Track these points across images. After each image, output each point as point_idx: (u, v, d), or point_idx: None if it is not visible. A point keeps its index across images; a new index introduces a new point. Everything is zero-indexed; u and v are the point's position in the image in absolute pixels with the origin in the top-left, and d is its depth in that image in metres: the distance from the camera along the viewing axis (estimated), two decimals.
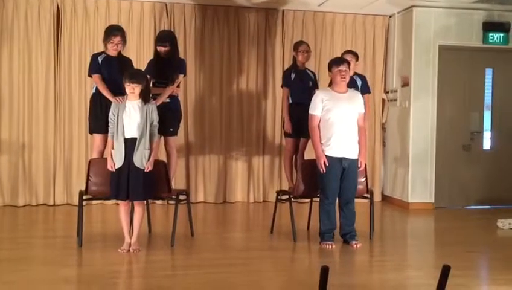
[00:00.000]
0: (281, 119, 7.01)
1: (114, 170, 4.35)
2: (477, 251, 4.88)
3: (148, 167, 4.35)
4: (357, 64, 5.74)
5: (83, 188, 4.70)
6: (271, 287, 3.80)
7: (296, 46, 5.84)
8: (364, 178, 5.06)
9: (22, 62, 6.61)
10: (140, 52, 6.79)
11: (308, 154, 5.68)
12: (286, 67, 6.62)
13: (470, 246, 4.98)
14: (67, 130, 6.72)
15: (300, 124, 5.45)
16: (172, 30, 6.52)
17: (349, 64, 4.86)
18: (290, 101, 5.74)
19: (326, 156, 4.66)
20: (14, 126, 6.60)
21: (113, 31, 5.02)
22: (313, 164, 4.81)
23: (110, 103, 4.61)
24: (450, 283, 2.04)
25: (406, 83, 7.06)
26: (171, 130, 5.24)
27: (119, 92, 4.63)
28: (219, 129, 7.13)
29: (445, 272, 1.95)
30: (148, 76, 4.89)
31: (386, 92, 7.53)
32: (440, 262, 2.19)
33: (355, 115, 4.74)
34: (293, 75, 5.75)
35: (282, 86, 5.92)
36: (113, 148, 4.39)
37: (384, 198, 7.54)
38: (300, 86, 5.71)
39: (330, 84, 5.16)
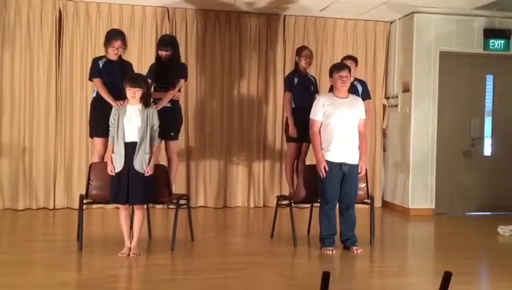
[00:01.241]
0: (282, 124, 7.02)
1: (114, 174, 4.35)
2: (478, 257, 4.87)
3: (148, 171, 4.35)
4: (357, 69, 5.74)
5: (83, 192, 4.70)
6: None
7: (299, 51, 5.84)
8: (365, 184, 5.06)
9: (24, 66, 6.63)
10: (141, 57, 6.81)
11: (309, 160, 5.68)
12: (287, 72, 6.63)
13: (471, 252, 4.97)
14: (68, 134, 6.73)
15: (302, 129, 5.44)
16: (174, 35, 6.53)
17: (350, 70, 4.86)
18: (293, 106, 5.73)
19: (326, 161, 4.66)
20: (15, 129, 6.60)
21: (114, 35, 5.03)
22: (313, 169, 4.81)
23: (110, 106, 4.61)
24: (451, 289, 2.03)
25: (406, 89, 7.07)
26: (172, 134, 5.24)
27: (119, 96, 4.63)
28: (220, 134, 7.13)
29: (447, 278, 1.95)
30: (149, 80, 4.90)
31: (387, 98, 7.54)
32: (441, 268, 2.19)
33: (356, 120, 4.74)
34: (296, 80, 5.75)
35: (285, 90, 5.92)
36: (113, 152, 4.39)
37: (385, 204, 7.53)
38: (303, 91, 5.72)
39: (331, 90, 5.17)
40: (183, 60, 5.98)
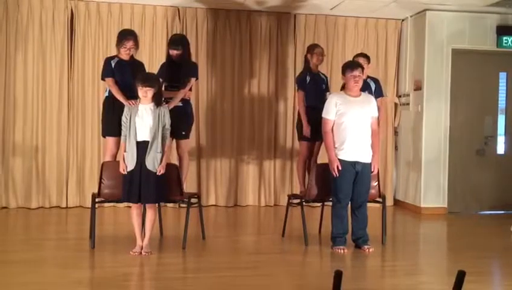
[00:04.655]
0: (292, 123, 7.01)
1: (126, 173, 4.37)
2: (490, 257, 4.82)
3: (160, 170, 4.36)
4: (369, 67, 5.71)
5: (96, 191, 4.73)
6: None
7: (311, 48, 5.81)
8: (377, 182, 5.03)
9: (36, 66, 6.68)
10: (153, 56, 6.83)
11: (321, 158, 5.66)
12: (298, 71, 6.62)
13: (483, 252, 4.92)
14: (80, 133, 6.78)
15: (315, 128, 5.41)
16: (185, 34, 6.55)
17: (363, 68, 4.83)
18: (305, 105, 5.72)
19: (339, 159, 4.64)
20: (28, 129, 6.66)
21: (126, 36, 5.06)
22: (325, 167, 4.79)
23: (123, 106, 4.63)
24: (464, 289, 2.02)
25: (418, 87, 7.02)
26: (183, 133, 5.26)
27: (131, 95, 4.65)
28: (230, 133, 7.14)
29: (460, 277, 1.93)
30: (161, 79, 4.92)
31: (399, 96, 7.49)
32: (453, 267, 2.17)
33: (369, 119, 4.72)
34: (308, 78, 5.73)
35: (297, 90, 5.90)
36: (125, 151, 4.41)
37: (396, 202, 7.49)
38: (315, 90, 5.69)
39: (343, 88, 5.15)
40: (193, 59, 5.99)
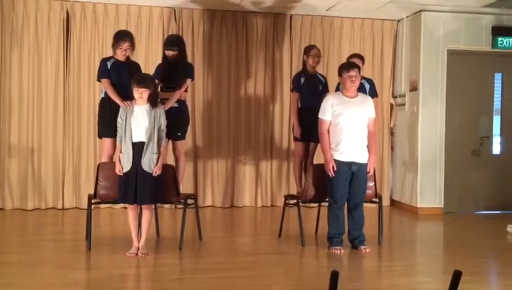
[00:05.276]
0: (289, 124, 7.02)
1: (122, 174, 4.37)
2: (487, 257, 4.84)
3: (156, 171, 4.36)
4: (363, 67, 5.72)
5: (92, 192, 4.72)
6: None
7: (307, 50, 5.83)
8: (373, 183, 5.04)
9: (32, 67, 6.67)
10: (148, 57, 6.83)
11: (317, 159, 5.67)
12: (294, 71, 6.63)
13: (480, 252, 4.94)
14: (76, 134, 6.77)
15: (310, 129, 5.43)
16: (181, 35, 6.54)
17: (359, 68, 4.85)
18: (299, 106, 5.73)
19: (335, 160, 4.65)
20: (23, 130, 6.65)
21: (122, 37, 5.05)
22: (321, 168, 4.80)
23: (118, 107, 4.63)
24: (460, 289, 2.02)
25: (414, 88, 7.04)
26: (179, 134, 5.25)
27: (127, 96, 4.65)
28: (227, 133, 7.14)
29: (456, 277, 1.94)
30: (156, 80, 4.92)
31: (394, 97, 7.51)
32: (449, 267, 2.18)
33: (366, 120, 4.73)
34: (302, 80, 5.74)
35: (291, 91, 5.91)
36: (121, 152, 4.41)
37: (393, 203, 7.51)
38: (310, 91, 5.70)
39: (337, 88, 5.16)
40: (189, 60, 5.99)
